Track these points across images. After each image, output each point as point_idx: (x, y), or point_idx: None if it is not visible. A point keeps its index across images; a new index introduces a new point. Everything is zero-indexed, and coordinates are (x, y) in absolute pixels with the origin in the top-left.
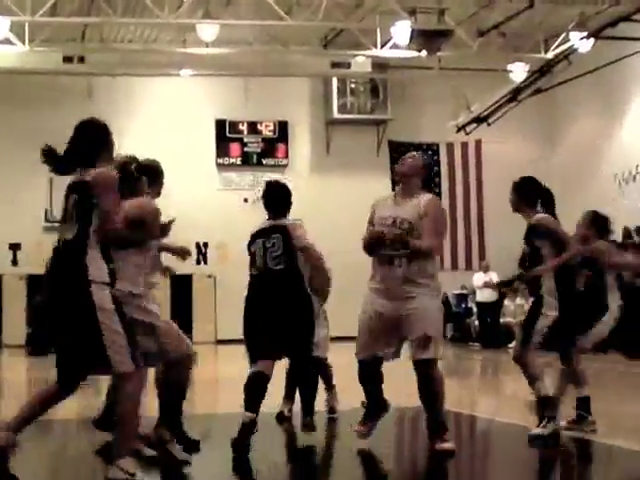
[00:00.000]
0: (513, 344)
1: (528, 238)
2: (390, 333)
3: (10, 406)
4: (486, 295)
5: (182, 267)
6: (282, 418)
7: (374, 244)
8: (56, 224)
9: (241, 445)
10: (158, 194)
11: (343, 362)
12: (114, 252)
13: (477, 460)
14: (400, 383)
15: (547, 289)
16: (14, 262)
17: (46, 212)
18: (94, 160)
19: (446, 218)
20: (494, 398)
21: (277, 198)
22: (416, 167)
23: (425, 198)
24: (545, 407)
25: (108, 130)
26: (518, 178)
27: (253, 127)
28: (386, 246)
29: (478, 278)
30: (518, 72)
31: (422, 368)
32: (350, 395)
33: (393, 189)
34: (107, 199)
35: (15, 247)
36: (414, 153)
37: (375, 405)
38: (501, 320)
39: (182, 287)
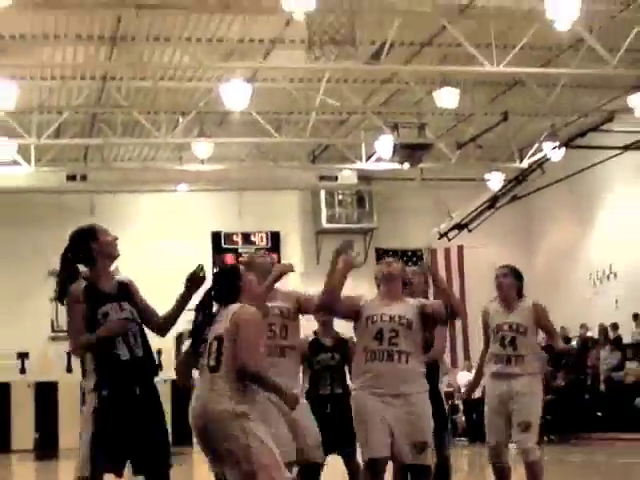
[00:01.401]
0: None
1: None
2: (386, 433)
3: None
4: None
5: None
6: None
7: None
8: (61, 334)
9: None
10: None
11: None
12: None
13: None
14: None
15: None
16: (22, 370)
17: (52, 322)
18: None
19: None
20: None
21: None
22: (401, 270)
23: (414, 301)
24: None
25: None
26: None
27: (247, 238)
28: (384, 340)
29: (462, 377)
30: (495, 181)
31: (420, 474)
32: None
33: None
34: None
35: (23, 356)
36: (393, 259)
37: None
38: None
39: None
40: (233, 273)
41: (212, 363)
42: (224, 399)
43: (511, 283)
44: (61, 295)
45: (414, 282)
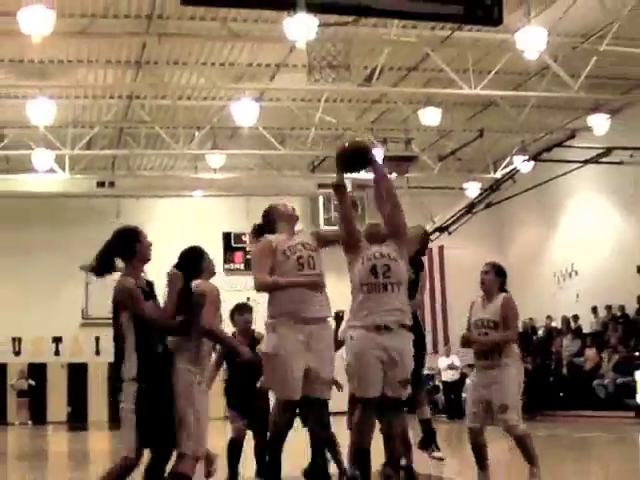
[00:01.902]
0: None
1: None
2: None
3: (54, 473)
4: (450, 375)
5: None
6: None
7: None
8: (90, 321)
9: None
10: None
11: None
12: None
13: None
14: None
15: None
16: (56, 352)
17: (82, 311)
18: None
19: None
20: (458, 461)
21: None
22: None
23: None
24: None
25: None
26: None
27: None
28: (379, 275)
29: (442, 361)
30: (472, 189)
31: (398, 405)
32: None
33: None
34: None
35: (57, 340)
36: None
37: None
38: (463, 395)
39: None
40: (196, 253)
41: None
42: (183, 358)
43: (492, 279)
44: (103, 269)
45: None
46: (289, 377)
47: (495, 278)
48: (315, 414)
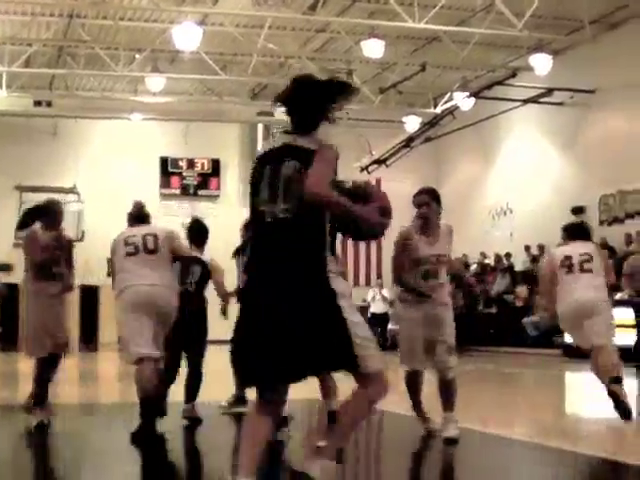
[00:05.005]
0: None
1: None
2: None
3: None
4: (378, 307)
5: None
6: None
7: None
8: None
9: None
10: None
11: None
12: None
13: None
14: None
15: None
16: None
17: (15, 232)
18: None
19: None
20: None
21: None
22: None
23: None
24: None
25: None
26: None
27: (191, 163)
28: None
29: (373, 292)
30: (412, 123)
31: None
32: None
33: None
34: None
35: None
36: None
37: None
38: (389, 327)
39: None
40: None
41: None
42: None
43: (434, 210)
44: None
45: None
46: None
47: (437, 208)
48: None
